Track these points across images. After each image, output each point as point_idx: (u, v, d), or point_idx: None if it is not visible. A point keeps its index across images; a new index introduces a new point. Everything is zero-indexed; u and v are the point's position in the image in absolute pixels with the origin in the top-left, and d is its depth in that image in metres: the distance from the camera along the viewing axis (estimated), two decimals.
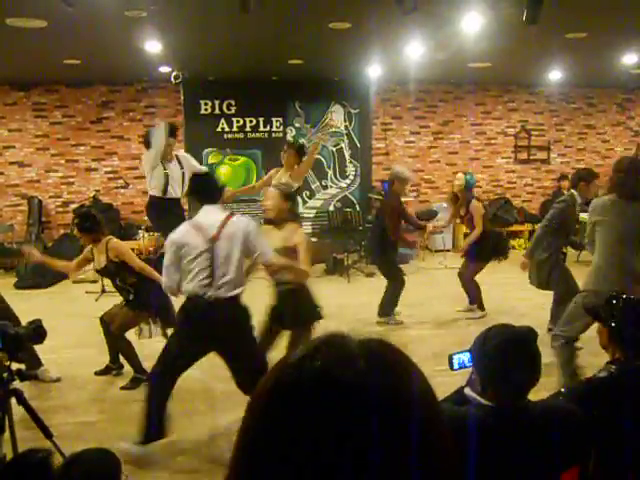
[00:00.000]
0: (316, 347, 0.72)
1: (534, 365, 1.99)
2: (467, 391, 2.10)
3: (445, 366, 2.43)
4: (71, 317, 7.06)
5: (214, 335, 3.82)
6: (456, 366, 2.43)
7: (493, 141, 12.60)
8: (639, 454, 2.45)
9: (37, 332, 3.41)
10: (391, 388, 0.69)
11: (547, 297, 6.07)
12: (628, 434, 2.32)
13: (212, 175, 4.27)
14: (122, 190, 10.96)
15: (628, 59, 8.95)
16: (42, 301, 7.88)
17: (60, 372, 5.40)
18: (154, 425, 3.83)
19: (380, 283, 7.20)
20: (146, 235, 9.41)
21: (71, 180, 10.89)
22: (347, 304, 7.51)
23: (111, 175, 10.98)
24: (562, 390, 2.60)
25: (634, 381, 2.48)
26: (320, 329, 6.72)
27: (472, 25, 6.18)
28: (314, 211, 11.40)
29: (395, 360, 0.74)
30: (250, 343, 4.01)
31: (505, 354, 1.96)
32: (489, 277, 7.36)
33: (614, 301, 2.70)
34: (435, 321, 7.03)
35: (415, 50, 7.75)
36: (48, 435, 3.33)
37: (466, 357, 2.39)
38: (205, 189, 4.08)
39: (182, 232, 3.89)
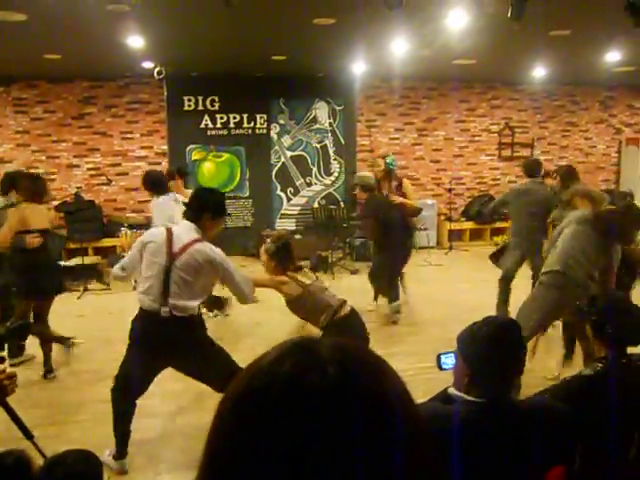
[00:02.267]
0: (286, 352, 0.71)
1: (521, 353, 2.03)
2: (451, 390, 2.10)
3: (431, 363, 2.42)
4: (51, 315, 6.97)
5: (171, 351, 3.64)
6: (444, 366, 2.42)
7: (477, 138, 12.63)
8: (625, 452, 2.45)
9: (21, 328, 3.35)
10: (361, 392, 0.67)
11: None
12: (613, 432, 2.32)
13: (213, 195, 3.97)
14: (104, 187, 10.84)
15: (610, 57, 9.01)
16: None
17: (41, 371, 5.33)
18: (119, 442, 3.74)
19: (364, 280, 7.20)
20: (128, 232, 9.31)
21: (52, 177, 10.75)
22: None
23: (93, 172, 10.86)
24: (548, 387, 2.60)
25: (619, 379, 2.48)
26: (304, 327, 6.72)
27: (457, 22, 6.18)
28: (298, 208, 11.38)
29: (367, 364, 0.72)
30: (210, 353, 3.81)
31: (496, 342, 1.98)
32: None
33: (596, 299, 2.70)
34: (420, 318, 7.03)
35: (400, 47, 7.74)
36: (28, 436, 3.27)
37: (452, 357, 2.38)
38: (198, 206, 3.79)
39: (157, 234, 3.75)
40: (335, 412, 0.64)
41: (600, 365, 2.56)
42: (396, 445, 0.66)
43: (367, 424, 0.65)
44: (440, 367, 2.46)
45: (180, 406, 4.73)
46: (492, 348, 1.98)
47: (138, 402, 3.77)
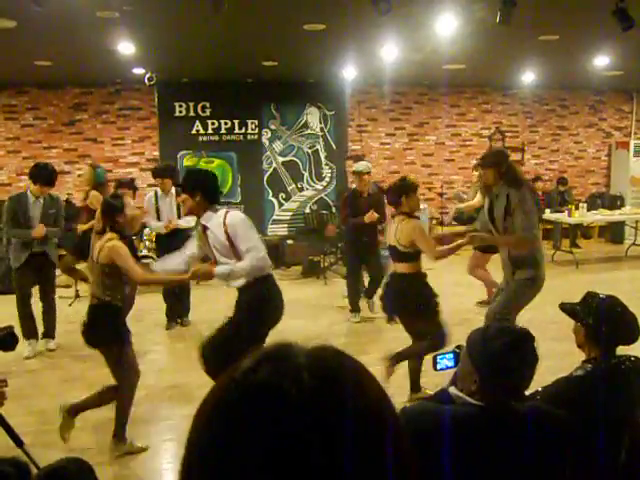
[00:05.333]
0: (260, 359, 0.70)
1: (533, 366, 2.00)
2: (452, 390, 2.09)
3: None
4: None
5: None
6: (440, 366, 2.42)
7: (468, 142, 12.68)
8: (616, 453, 2.46)
9: (7, 338, 3.32)
10: (338, 401, 0.65)
11: None
12: (605, 433, 2.33)
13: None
14: None
15: (599, 61, 9.06)
16: (13, 306, 7.72)
17: (30, 379, 5.30)
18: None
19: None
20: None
21: None
22: (323, 306, 7.50)
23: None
24: (539, 389, 2.60)
25: (610, 379, 2.49)
26: (295, 331, 6.70)
27: (447, 27, 6.21)
28: (290, 213, 11.38)
29: (344, 370, 0.71)
30: None
31: (511, 353, 1.96)
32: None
33: (590, 299, 2.70)
34: None
35: (390, 52, 7.77)
36: (18, 443, 3.25)
37: (450, 358, 2.38)
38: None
39: None
40: (311, 419, 0.63)
41: (590, 366, 2.57)
42: (373, 452, 0.65)
43: (343, 431, 0.64)
44: (435, 368, 2.46)
45: None
46: (507, 360, 1.95)
47: None
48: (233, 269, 3.97)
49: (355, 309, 7.20)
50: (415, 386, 4.86)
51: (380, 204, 6.98)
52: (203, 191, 4.03)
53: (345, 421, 0.64)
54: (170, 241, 6.24)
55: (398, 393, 4.55)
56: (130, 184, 7.07)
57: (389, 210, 5.54)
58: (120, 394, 4.05)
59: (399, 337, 5.06)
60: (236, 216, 4.04)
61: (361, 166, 7.14)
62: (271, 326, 4.13)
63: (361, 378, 0.71)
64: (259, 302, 4.05)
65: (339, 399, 0.66)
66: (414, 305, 4.67)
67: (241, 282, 4.06)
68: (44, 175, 6.03)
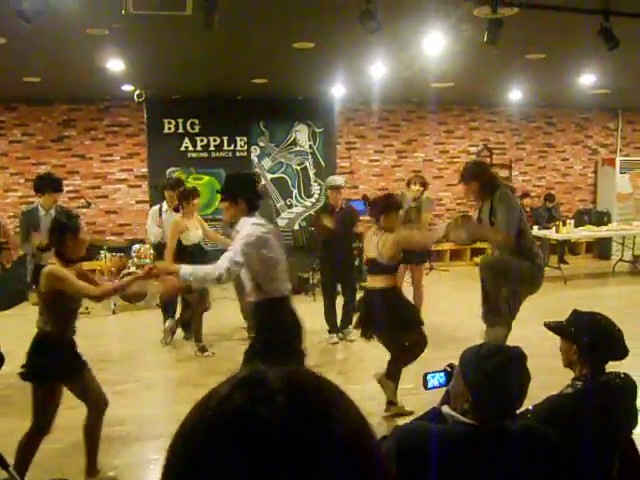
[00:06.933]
0: (235, 386, 0.69)
1: (526, 385, 2.00)
2: (445, 409, 2.08)
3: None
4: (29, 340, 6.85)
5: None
6: (430, 385, 2.41)
7: (456, 160, 12.74)
8: (608, 470, 2.46)
9: None
10: (313, 424, 0.65)
11: None
12: (596, 450, 2.33)
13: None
14: (84, 210, 10.75)
15: (585, 80, 9.17)
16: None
17: (16, 398, 5.22)
18: None
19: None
20: (108, 255, 9.25)
21: (31, 200, 10.63)
22: (313, 323, 7.45)
23: (72, 195, 10.76)
24: (529, 408, 2.60)
25: (601, 396, 2.50)
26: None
27: (435, 46, 6.26)
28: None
29: (320, 393, 0.70)
30: None
31: (504, 372, 1.95)
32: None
33: (578, 317, 2.71)
34: None
35: (378, 70, 7.83)
36: (4, 465, 3.21)
37: (440, 377, 2.37)
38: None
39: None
40: (288, 445, 0.62)
41: (580, 383, 2.57)
42: (353, 476, 0.64)
43: (322, 456, 0.63)
44: (426, 387, 2.45)
45: None
46: (500, 379, 1.95)
47: None
48: (201, 268, 3.75)
49: (333, 330, 7.13)
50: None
51: (352, 220, 7.00)
52: (247, 198, 3.85)
53: (323, 445, 0.63)
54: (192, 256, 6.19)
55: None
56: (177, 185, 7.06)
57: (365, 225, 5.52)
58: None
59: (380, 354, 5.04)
60: (252, 230, 3.77)
61: (339, 180, 7.17)
62: (297, 343, 3.93)
63: (338, 401, 0.70)
64: (271, 324, 3.88)
65: (316, 423, 0.65)
66: (398, 317, 4.68)
67: (255, 297, 3.88)
68: (49, 182, 6.05)
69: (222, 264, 3.64)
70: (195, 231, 6.56)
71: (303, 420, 0.64)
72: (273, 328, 3.84)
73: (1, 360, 3.30)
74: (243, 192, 3.86)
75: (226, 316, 7.59)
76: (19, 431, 3.61)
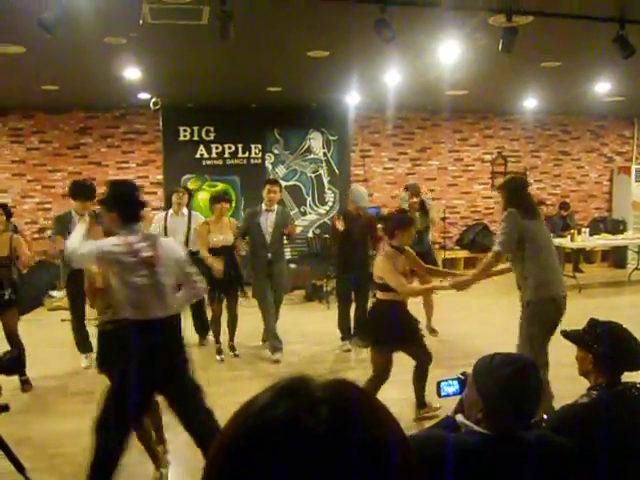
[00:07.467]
0: (278, 394, 0.70)
1: (539, 394, 2.01)
2: (459, 418, 2.08)
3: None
4: (45, 346, 6.92)
5: None
6: (443, 393, 2.41)
7: (470, 167, 12.73)
8: (623, 479, 2.44)
9: (14, 361, 3.31)
10: (356, 434, 0.65)
11: None
12: (611, 461, 2.31)
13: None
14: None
15: (600, 87, 9.13)
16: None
17: (31, 402, 5.27)
18: None
19: None
20: None
21: (47, 206, 10.77)
22: (326, 331, 7.46)
23: None
24: (544, 417, 2.59)
25: (617, 407, 2.48)
26: (300, 355, 6.68)
27: (449, 54, 6.27)
28: None
29: (361, 403, 0.71)
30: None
31: (517, 382, 1.96)
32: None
33: (594, 327, 2.70)
34: None
35: (393, 78, 7.84)
36: (20, 468, 3.24)
37: (454, 385, 2.37)
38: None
39: None
40: (330, 456, 0.63)
41: (596, 393, 2.56)
42: None
43: (362, 468, 0.63)
44: (439, 394, 2.45)
45: None
46: (511, 390, 1.95)
47: None
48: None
49: (345, 337, 7.12)
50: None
51: (370, 227, 7.00)
52: (118, 208, 3.62)
53: (366, 457, 0.64)
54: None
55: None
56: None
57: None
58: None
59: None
60: (105, 242, 3.59)
61: (366, 201, 7.18)
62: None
63: (377, 411, 0.72)
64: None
65: (358, 433, 0.66)
66: (390, 332, 4.69)
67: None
68: (82, 190, 6.16)
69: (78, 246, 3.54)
70: (219, 235, 6.63)
71: (347, 430, 0.65)
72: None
73: (19, 364, 3.34)
74: (116, 201, 3.57)
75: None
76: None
